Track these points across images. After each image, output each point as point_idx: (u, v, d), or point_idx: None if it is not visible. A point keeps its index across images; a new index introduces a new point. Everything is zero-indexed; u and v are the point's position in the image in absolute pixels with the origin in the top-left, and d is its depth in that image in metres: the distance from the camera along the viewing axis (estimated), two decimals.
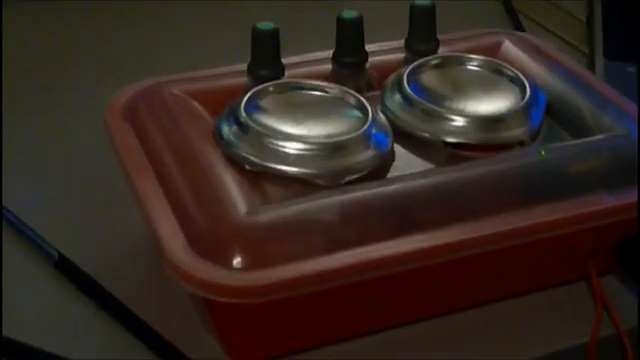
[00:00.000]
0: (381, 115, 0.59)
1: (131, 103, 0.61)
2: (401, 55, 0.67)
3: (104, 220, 0.64)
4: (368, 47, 0.66)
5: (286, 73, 0.63)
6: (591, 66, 0.80)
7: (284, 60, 0.64)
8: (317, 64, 0.66)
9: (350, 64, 0.65)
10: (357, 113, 0.58)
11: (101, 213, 0.65)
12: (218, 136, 0.57)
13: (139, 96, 0.62)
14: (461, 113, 0.58)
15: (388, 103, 0.61)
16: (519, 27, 0.89)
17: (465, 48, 0.68)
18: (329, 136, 0.55)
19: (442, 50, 0.67)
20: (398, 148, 0.58)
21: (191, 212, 0.52)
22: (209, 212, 0.52)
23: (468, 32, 0.72)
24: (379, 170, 0.56)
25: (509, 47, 0.69)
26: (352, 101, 0.59)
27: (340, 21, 0.64)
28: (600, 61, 0.80)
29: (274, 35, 0.62)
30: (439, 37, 0.68)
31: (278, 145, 0.54)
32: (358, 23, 0.64)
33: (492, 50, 0.68)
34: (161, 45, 0.89)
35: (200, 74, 0.65)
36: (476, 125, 0.58)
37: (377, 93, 0.63)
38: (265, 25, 0.62)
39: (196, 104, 0.61)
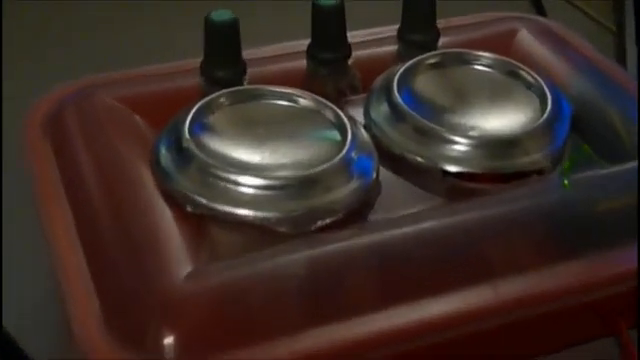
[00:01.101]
0: (363, 132, 0.47)
1: (55, 112, 0.49)
2: (392, 48, 0.55)
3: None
4: (352, 36, 0.53)
5: (248, 72, 0.51)
6: (621, 51, 0.67)
7: (247, 54, 0.51)
8: (288, 59, 0.54)
9: (328, 61, 0.52)
10: (333, 132, 0.46)
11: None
12: (155, 164, 0.45)
13: (66, 103, 0.49)
14: (465, 133, 0.46)
15: (374, 114, 0.49)
16: (538, 3, 0.76)
17: (470, 39, 0.56)
18: (295, 166, 0.43)
19: (443, 41, 0.55)
20: (384, 175, 0.46)
21: (112, 271, 0.40)
22: (136, 273, 0.40)
23: (475, 17, 0.59)
24: (360, 209, 0.44)
25: (525, 38, 0.56)
26: (327, 114, 0.47)
27: (316, 7, 0.51)
28: (632, 45, 0.67)
29: (232, 27, 0.49)
30: (439, 23, 0.55)
31: (229, 181, 0.42)
32: (338, 10, 0.51)
33: (504, 42, 0.56)
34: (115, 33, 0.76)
35: (145, 72, 0.52)
36: (483, 149, 0.45)
37: (363, 96, 0.51)
38: (221, 15, 0.49)
39: (136, 116, 0.48)
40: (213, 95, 0.47)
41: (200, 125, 0.45)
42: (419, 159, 0.46)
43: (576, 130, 0.49)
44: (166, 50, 0.70)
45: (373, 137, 0.47)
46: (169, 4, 0.80)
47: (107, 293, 0.39)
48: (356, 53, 0.53)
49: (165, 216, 0.42)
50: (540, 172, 0.46)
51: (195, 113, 0.45)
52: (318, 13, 0.51)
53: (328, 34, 0.52)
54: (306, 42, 0.53)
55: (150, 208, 0.43)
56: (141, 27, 0.76)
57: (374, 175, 0.45)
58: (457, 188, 0.46)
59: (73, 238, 0.42)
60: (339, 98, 0.51)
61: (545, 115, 0.47)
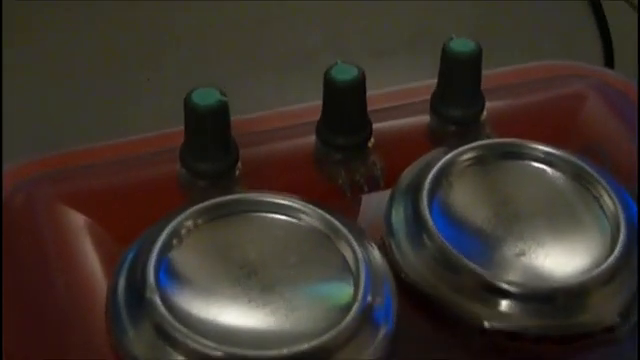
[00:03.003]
0: (378, 257, 0.37)
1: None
2: (423, 120, 0.44)
3: None
4: (372, 99, 0.42)
5: (242, 152, 0.41)
6: None
7: (241, 123, 0.41)
8: (293, 137, 0.43)
9: (343, 147, 0.42)
10: (341, 267, 0.35)
11: None
12: (108, 309, 0.35)
13: (12, 203, 0.39)
14: (512, 279, 0.35)
15: (396, 232, 0.38)
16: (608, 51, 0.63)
17: (526, 108, 0.45)
18: (288, 336, 0.33)
19: (488, 108, 0.44)
20: (405, 319, 0.36)
21: None
22: None
23: (529, 67, 0.48)
24: None
25: (597, 110, 0.45)
26: (334, 239, 0.36)
27: (329, 82, 0.40)
28: None
29: (221, 112, 0.39)
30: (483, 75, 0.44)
31: (195, 358, 0.32)
32: (357, 87, 0.40)
33: (569, 115, 0.45)
34: None
35: (107, 149, 0.42)
36: (536, 303, 0.35)
37: (384, 193, 0.40)
38: (206, 97, 0.38)
39: (98, 228, 0.38)
40: (188, 212, 0.36)
41: (169, 263, 0.35)
42: (452, 306, 0.36)
43: None
44: None
45: (392, 263, 0.37)
46: None
47: None
48: (377, 127, 0.42)
49: None
50: (609, 329, 0.36)
51: (162, 245, 0.35)
52: (332, 89, 0.40)
53: (344, 116, 0.41)
54: (314, 105, 0.43)
55: None
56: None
57: (393, 329, 0.35)
58: (500, 350, 0.35)
59: None
60: (354, 193, 0.41)
61: (617, 251, 0.36)
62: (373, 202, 0.41)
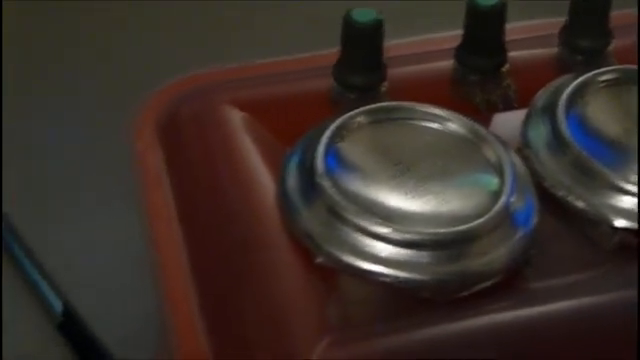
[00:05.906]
0: (521, 166, 0.40)
1: (168, 116, 0.43)
2: (552, 51, 0.47)
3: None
4: (508, 29, 0.46)
5: (388, 75, 0.44)
6: None
7: (387, 48, 0.45)
8: (434, 59, 0.47)
9: (481, 68, 0.45)
10: (488, 169, 0.39)
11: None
12: (282, 194, 0.39)
13: (180, 106, 0.43)
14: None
15: (534, 143, 0.42)
16: None
17: None
18: (446, 219, 0.37)
19: (617, 42, 0.47)
20: (544, 222, 0.39)
21: (232, 332, 0.35)
22: (257, 333, 0.35)
23: None
24: (518, 271, 0.38)
25: None
26: (481, 143, 0.40)
27: (472, 7, 0.44)
28: None
29: (375, 31, 0.43)
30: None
31: (369, 233, 0.36)
32: (499, 12, 0.44)
33: None
34: None
35: (264, 67, 0.46)
36: None
37: (516, 112, 0.44)
38: (363, 14, 0.42)
39: (259, 125, 0.43)
40: (350, 114, 0.40)
41: (335, 154, 0.39)
42: (585, 206, 0.39)
43: None
44: None
45: (530, 169, 0.41)
46: None
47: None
48: (512, 54, 0.46)
49: (289, 266, 0.37)
50: None
51: (329, 138, 0.39)
52: (474, 14, 0.44)
53: (483, 39, 0.45)
54: (452, 34, 0.47)
55: (270, 253, 0.37)
56: None
57: (534, 225, 0.39)
58: (630, 246, 0.39)
59: (184, 275, 0.38)
60: (489, 111, 0.45)
61: None
62: (507, 120, 0.44)
